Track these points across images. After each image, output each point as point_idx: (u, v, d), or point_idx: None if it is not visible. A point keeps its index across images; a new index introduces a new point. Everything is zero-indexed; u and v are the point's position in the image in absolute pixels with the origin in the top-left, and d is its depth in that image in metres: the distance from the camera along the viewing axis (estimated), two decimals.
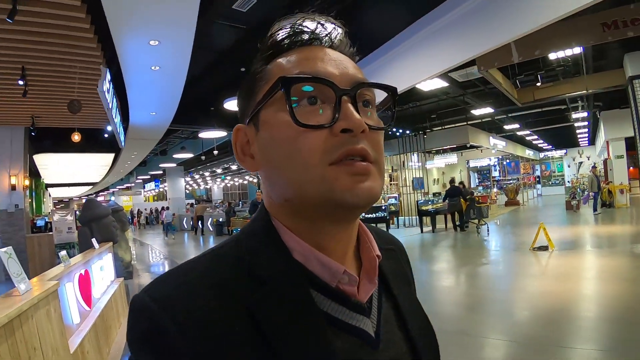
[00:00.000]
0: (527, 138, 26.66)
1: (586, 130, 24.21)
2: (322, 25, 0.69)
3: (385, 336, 0.66)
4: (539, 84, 11.39)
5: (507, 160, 31.92)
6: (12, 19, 4.86)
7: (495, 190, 26.85)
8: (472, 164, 28.78)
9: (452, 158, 24.58)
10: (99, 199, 32.24)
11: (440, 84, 11.14)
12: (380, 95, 0.68)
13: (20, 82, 6.58)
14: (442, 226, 16.27)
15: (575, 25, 7.09)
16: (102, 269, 5.67)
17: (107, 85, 6.78)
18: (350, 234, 0.67)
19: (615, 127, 18.37)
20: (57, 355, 3.11)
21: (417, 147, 19.76)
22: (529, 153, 32.60)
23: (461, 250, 11.80)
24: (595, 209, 16.48)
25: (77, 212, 9.43)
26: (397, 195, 20.48)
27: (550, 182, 34.93)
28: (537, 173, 35.98)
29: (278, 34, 0.68)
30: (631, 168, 25.64)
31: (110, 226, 6.94)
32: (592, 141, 28.68)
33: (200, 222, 22.97)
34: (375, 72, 7.99)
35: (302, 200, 0.61)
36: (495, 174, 33.06)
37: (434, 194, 20.62)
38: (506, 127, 20.32)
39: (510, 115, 17.51)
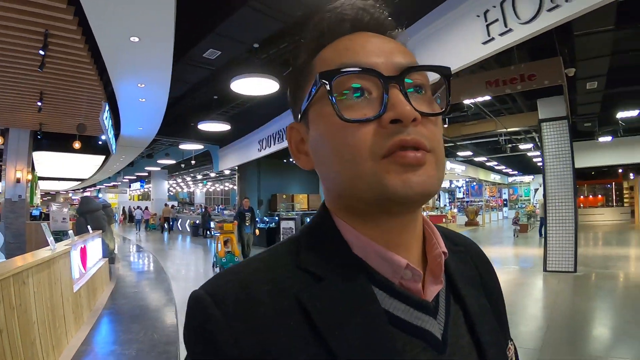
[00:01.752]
0: (487, 164, 28.31)
1: (540, 158, 26.03)
2: (363, 10, 0.64)
3: (453, 340, 0.60)
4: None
5: (472, 184, 33.75)
6: (42, 69, 6.31)
7: (454, 210, 28.50)
8: None
9: None
10: (85, 194, 34.33)
11: None
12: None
13: (39, 103, 8.58)
14: None
15: (468, 81, 8.69)
16: (94, 247, 7.68)
17: (105, 114, 8.88)
18: (412, 229, 0.62)
19: (555, 157, 20.32)
20: (67, 289, 5.19)
21: None
22: (494, 177, 34.30)
23: None
24: (540, 233, 17.13)
25: (70, 206, 11.34)
26: None
27: (517, 206, 37.08)
28: (505, 196, 38.17)
29: (319, 26, 0.65)
30: (581, 197, 28.12)
31: (101, 218, 9.06)
32: None
33: (166, 222, 25.73)
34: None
35: (354, 196, 0.58)
36: (460, 195, 34.93)
37: None
38: (460, 153, 22.01)
39: (459, 143, 19.06)
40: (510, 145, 19.73)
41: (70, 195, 43.32)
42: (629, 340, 5.27)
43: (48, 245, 5.28)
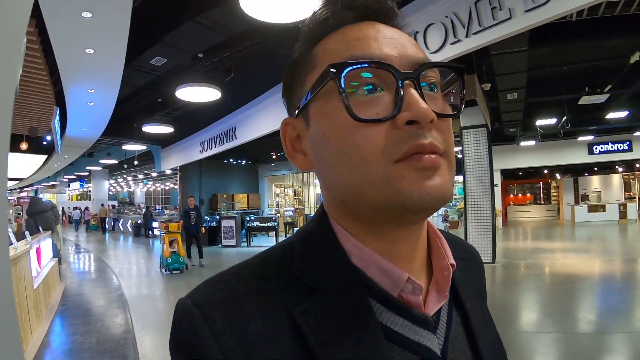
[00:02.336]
0: None
1: None
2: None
3: (453, 355, 0.58)
4: None
5: None
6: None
7: None
8: None
9: None
10: (22, 194, 33.42)
11: None
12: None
13: None
14: None
15: None
16: (46, 248, 8.03)
17: (56, 118, 9.20)
18: (417, 238, 0.58)
19: (494, 160, 21.90)
20: (29, 286, 5.62)
21: None
22: None
23: None
24: None
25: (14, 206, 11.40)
26: (293, 208, 22.39)
27: (451, 204, 38.52)
28: None
29: (323, 12, 0.59)
30: (511, 195, 30.06)
31: (50, 219, 9.34)
32: None
33: (102, 222, 25.68)
34: None
35: (361, 203, 0.54)
36: None
37: None
38: None
39: None
40: None
41: (21, 195, 41.97)
42: (541, 316, 6.40)
43: None
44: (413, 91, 0.51)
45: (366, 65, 0.51)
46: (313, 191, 24.26)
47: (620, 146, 19.63)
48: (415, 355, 0.54)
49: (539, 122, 15.07)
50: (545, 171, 28.01)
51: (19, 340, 2.45)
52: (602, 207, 24.11)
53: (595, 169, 27.09)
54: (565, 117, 13.54)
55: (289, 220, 20.32)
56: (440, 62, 0.56)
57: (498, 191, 22.34)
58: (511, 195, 30.77)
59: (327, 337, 0.49)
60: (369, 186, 0.51)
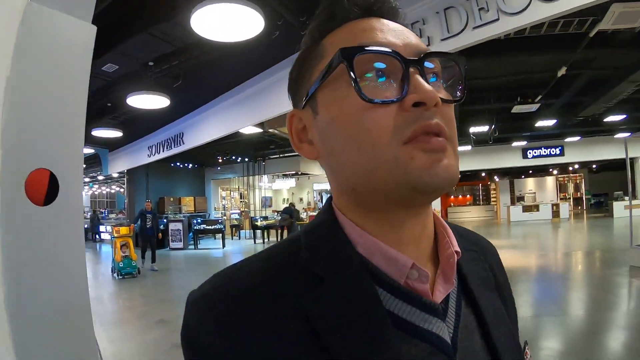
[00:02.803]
0: None
1: None
2: None
3: (464, 344, 0.57)
4: None
5: None
6: None
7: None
8: (316, 187, 32.15)
9: (291, 182, 26.74)
10: None
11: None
12: None
13: None
14: (274, 239, 18.77)
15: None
16: None
17: None
18: (422, 225, 0.60)
19: None
20: None
21: (259, 171, 22.39)
22: None
23: None
24: None
25: None
26: (238, 211, 23.02)
27: None
28: None
29: (331, 8, 0.62)
30: (452, 197, 31.89)
31: None
32: None
33: None
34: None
35: (372, 186, 0.54)
36: None
37: (279, 212, 22.76)
38: None
39: None
40: None
41: None
42: None
43: None
44: (418, 76, 0.53)
45: (376, 51, 0.53)
46: (258, 194, 24.65)
47: (553, 151, 21.23)
48: (425, 342, 0.53)
49: (473, 130, 16.31)
50: (484, 174, 29.77)
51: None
52: (536, 207, 26.21)
53: (531, 171, 29.17)
54: (494, 125, 14.91)
55: (235, 222, 20.89)
56: (443, 51, 0.58)
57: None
58: (452, 197, 32.51)
59: (336, 325, 0.49)
60: (379, 168, 0.52)
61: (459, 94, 0.60)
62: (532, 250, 13.75)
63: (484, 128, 15.89)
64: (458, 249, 0.60)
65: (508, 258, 11.37)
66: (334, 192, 0.63)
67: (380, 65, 0.55)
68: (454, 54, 0.60)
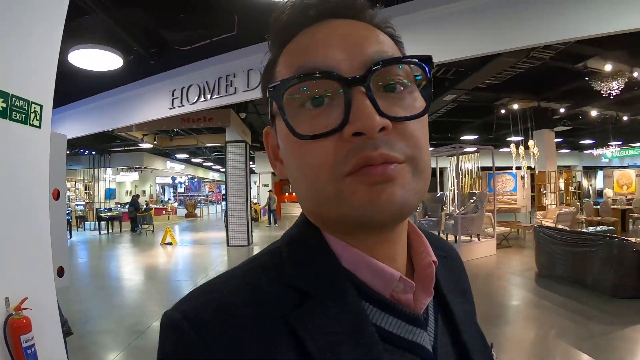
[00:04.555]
0: (205, 164, 32.20)
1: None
2: None
3: (442, 350, 0.58)
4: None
5: (193, 180, 36.45)
6: None
7: (174, 204, 30.75)
8: (158, 180, 32.35)
9: (135, 175, 27.12)
10: None
11: None
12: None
13: None
14: (118, 230, 19.79)
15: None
16: None
17: None
18: (396, 241, 0.57)
19: (264, 165, 25.73)
20: None
21: (104, 164, 23.01)
22: (213, 175, 37.90)
23: (119, 246, 15.51)
24: (270, 222, 21.32)
25: None
26: (83, 202, 23.25)
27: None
28: (224, 192, 41.66)
29: (280, 19, 0.57)
30: (286, 194, 34.67)
31: None
32: None
33: None
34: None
35: (323, 217, 0.55)
36: (182, 190, 36.83)
37: (122, 204, 23.82)
38: (178, 155, 25.89)
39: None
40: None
41: None
42: None
43: None
44: (361, 98, 0.47)
45: (306, 79, 0.49)
46: (103, 186, 25.02)
47: None
48: (411, 354, 0.53)
49: None
50: None
51: None
52: None
53: None
54: None
55: (80, 214, 21.18)
56: (395, 57, 0.52)
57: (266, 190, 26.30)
58: (286, 194, 35.39)
59: (325, 342, 0.48)
60: (324, 204, 0.51)
61: (418, 104, 0.52)
62: None
63: None
64: (435, 259, 0.59)
65: None
66: (304, 211, 0.60)
67: (318, 90, 0.49)
68: (410, 57, 0.52)
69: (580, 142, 23.31)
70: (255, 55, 7.31)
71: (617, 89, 10.35)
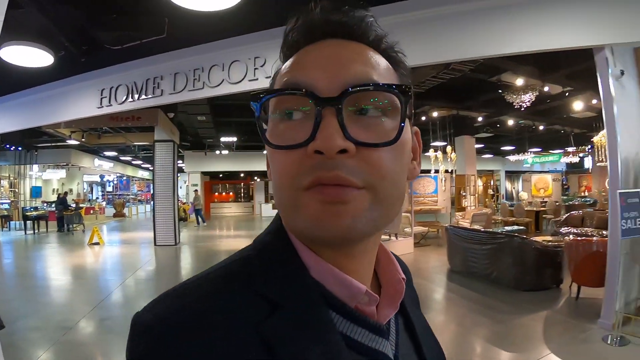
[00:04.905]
0: (134, 162, 31.66)
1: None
2: (336, 12, 0.59)
3: (403, 359, 0.63)
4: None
5: (122, 178, 35.63)
6: None
7: (102, 203, 30.26)
8: (86, 178, 31.70)
9: (62, 172, 26.41)
10: None
11: None
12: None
13: None
14: (44, 230, 19.14)
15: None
16: None
17: None
18: (361, 258, 0.59)
19: (193, 164, 26.06)
20: None
21: (31, 161, 22.07)
22: (142, 174, 37.25)
23: (46, 246, 15.19)
24: (198, 222, 21.48)
25: None
26: (8, 200, 22.26)
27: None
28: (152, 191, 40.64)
29: (292, 32, 0.60)
30: (216, 194, 34.84)
31: None
32: None
33: None
34: None
35: (286, 222, 0.57)
36: (110, 188, 35.89)
37: (49, 202, 22.88)
38: (107, 153, 25.36)
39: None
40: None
41: None
42: None
43: None
44: (329, 119, 0.50)
45: (283, 93, 0.53)
46: (29, 183, 24.28)
47: None
48: None
49: (224, 139, 19.86)
50: (242, 175, 33.82)
51: None
52: None
53: None
54: (236, 138, 18.68)
55: (5, 213, 20.51)
56: (371, 84, 0.52)
57: (199, 189, 26.38)
58: (216, 194, 35.50)
59: (296, 350, 0.49)
60: (286, 210, 0.54)
61: (390, 133, 0.52)
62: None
63: (233, 138, 19.57)
64: (404, 276, 0.64)
65: (236, 244, 14.30)
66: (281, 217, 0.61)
67: (294, 105, 0.53)
68: (384, 85, 0.52)
69: (501, 148, 24.53)
70: (182, 59, 7.54)
71: (528, 101, 11.19)
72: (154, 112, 12.18)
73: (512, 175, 34.34)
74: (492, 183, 28.16)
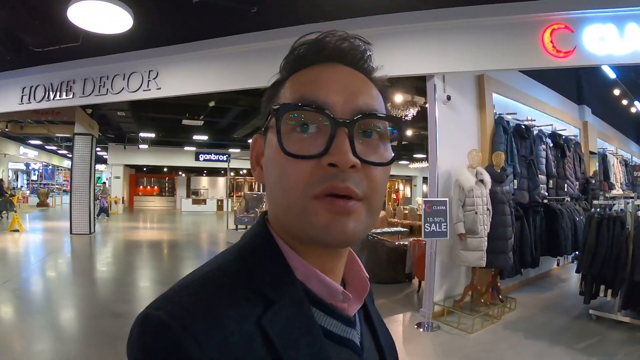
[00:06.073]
0: (60, 152, 31.37)
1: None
2: (344, 41, 0.67)
3: (366, 345, 0.72)
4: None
5: (47, 168, 34.74)
6: None
7: (26, 192, 29.79)
8: (11, 166, 30.29)
9: None
10: None
11: None
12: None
13: None
14: None
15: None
16: None
17: None
18: (342, 257, 0.70)
19: (116, 156, 26.58)
20: None
21: None
22: (68, 163, 35.72)
23: None
24: (98, 214, 20.19)
25: None
26: None
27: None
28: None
29: (299, 50, 0.68)
30: (141, 187, 35.00)
31: None
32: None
33: None
34: None
35: (289, 224, 0.63)
36: (35, 177, 34.44)
37: None
38: (32, 141, 25.31)
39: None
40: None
41: None
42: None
43: None
44: (343, 137, 0.57)
45: (306, 109, 0.59)
46: None
47: (221, 157, 27.04)
48: (347, 348, 0.66)
49: (143, 134, 20.68)
50: (165, 169, 34.20)
51: None
52: (204, 201, 31.78)
53: (205, 172, 34.64)
54: (154, 134, 19.81)
55: None
56: (379, 114, 0.62)
57: (119, 182, 27.39)
58: (141, 187, 35.78)
59: (288, 341, 0.56)
60: (292, 212, 0.60)
61: (386, 155, 0.63)
62: (172, 230, 18.43)
63: (152, 134, 20.54)
64: (367, 275, 0.73)
65: (152, 235, 15.62)
66: (270, 214, 0.69)
67: (311, 121, 0.59)
68: (390, 116, 0.64)
69: (414, 155, 26.06)
70: (91, 66, 8.40)
71: (412, 115, 12.49)
72: (71, 107, 12.79)
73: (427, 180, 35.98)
74: (397, 187, 29.31)
